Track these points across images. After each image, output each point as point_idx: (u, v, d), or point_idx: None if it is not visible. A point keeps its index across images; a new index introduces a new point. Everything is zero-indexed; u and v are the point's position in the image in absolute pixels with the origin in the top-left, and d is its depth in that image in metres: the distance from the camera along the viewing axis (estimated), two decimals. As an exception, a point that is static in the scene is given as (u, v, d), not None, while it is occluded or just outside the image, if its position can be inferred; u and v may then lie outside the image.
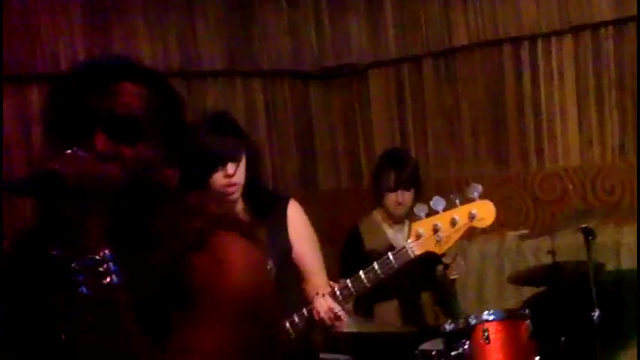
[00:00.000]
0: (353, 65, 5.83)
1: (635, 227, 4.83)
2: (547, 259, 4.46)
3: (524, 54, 5.24)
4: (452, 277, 4.36)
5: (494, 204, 5.25)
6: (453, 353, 3.77)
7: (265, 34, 5.61)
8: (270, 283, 1.64)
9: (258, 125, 5.57)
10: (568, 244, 4.67)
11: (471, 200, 3.33)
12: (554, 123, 5.19)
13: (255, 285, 1.56)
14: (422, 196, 4.87)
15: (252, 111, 5.55)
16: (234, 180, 3.16)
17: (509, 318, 3.82)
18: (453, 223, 3.27)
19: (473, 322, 3.79)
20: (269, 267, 3.12)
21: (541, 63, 5.19)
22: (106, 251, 1.43)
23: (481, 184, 5.29)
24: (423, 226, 3.28)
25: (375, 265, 3.45)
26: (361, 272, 3.45)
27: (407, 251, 3.40)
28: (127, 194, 1.52)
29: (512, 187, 5.33)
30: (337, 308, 3.27)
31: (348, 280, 3.45)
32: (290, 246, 3.34)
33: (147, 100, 1.57)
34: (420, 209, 3.27)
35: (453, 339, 3.82)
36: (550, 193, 5.20)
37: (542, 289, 4.43)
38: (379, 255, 4.56)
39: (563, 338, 4.23)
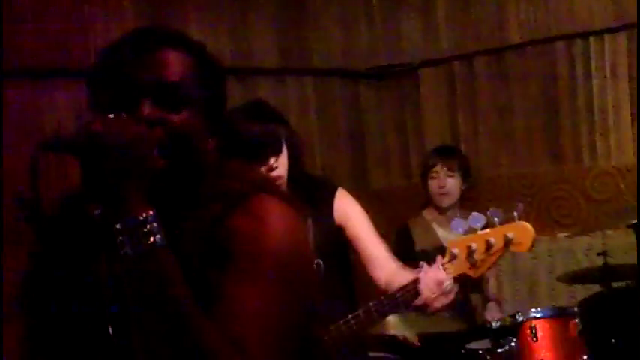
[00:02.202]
0: (404, 64, 5.82)
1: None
2: (599, 260, 4.39)
3: (577, 51, 5.18)
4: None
5: (547, 202, 5.31)
6: (499, 350, 3.75)
7: (317, 31, 5.63)
8: (308, 246, 1.65)
9: (310, 123, 5.57)
10: (620, 245, 4.60)
11: (509, 220, 3.11)
12: (607, 121, 5.12)
13: (294, 246, 1.58)
14: (474, 194, 4.88)
15: (304, 109, 5.56)
16: (276, 173, 2.99)
17: (556, 315, 3.78)
18: (489, 246, 3.04)
19: (520, 319, 3.76)
20: (316, 263, 3.06)
21: (594, 60, 5.12)
22: (150, 212, 1.45)
23: (533, 182, 5.35)
24: (457, 246, 3.09)
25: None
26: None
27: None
28: (170, 157, 1.54)
29: (564, 186, 5.28)
30: (445, 277, 3.06)
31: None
32: (336, 235, 3.19)
33: (190, 68, 1.60)
34: (457, 224, 3.15)
35: (500, 336, 3.79)
36: (603, 192, 5.13)
37: (594, 289, 4.35)
38: (429, 255, 4.59)
39: (613, 340, 4.17)
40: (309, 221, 3.03)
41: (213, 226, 1.56)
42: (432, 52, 5.71)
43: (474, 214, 3.16)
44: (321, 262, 3.07)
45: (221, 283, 1.51)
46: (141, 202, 1.45)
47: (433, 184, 4.62)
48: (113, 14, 4.61)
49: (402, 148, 5.93)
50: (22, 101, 4.19)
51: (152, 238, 1.43)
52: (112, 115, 1.48)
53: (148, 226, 1.44)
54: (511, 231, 3.03)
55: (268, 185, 1.68)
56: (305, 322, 1.61)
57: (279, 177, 3.02)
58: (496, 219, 3.10)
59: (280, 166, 3.02)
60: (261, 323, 1.49)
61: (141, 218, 1.44)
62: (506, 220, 3.11)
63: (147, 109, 1.54)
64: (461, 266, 3.10)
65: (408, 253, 4.48)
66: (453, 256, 3.10)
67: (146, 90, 1.55)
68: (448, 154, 4.74)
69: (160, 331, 1.44)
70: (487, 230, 3.08)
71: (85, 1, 4.53)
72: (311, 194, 3.13)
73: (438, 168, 4.63)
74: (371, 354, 3.78)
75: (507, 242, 3.03)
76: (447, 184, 4.61)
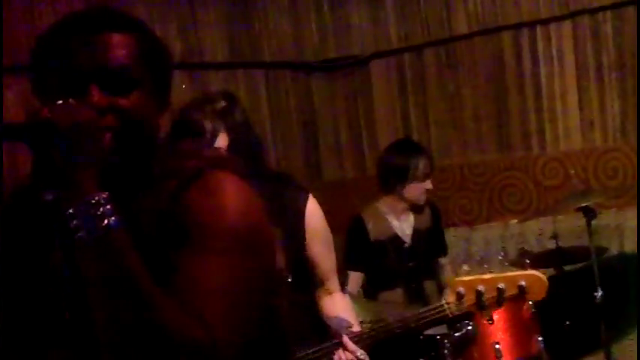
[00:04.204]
0: (354, 56, 5.85)
1: (637, 210, 4.85)
2: (551, 244, 4.47)
3: (524, 40, 5.27)
4: None
5: (498, 190, 5.38)
6: (456, 335, 3.77)
7: (267, 25, 5.63)
8: (265, 219, 1.64)
9: (261, 117, 5.57)
10: (571, 228, 4.69)
11: (521, 268, 3.02)
12: (555, 108, 5.21)
13: (250, 218, 1.58)
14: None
15: (255, 103, 5.56)
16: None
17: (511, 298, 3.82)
18: (500, 293, 2.88)
19: (476, 303, 3.78)
20: (285, 276, 2.99)
21: (541, 48, 5.22)
22: (103, 194, 1.43)
23: (484, 170, 5.42)
24: (465, 287, 2.92)
25: (408, 316, 3.16)
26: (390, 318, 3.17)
27: (444, 310, 3.08)
28: (122, 140, 1.54)
29: (514, 173, 5.36)
30: (358, 352, 2.96)
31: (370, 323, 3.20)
32: (304, 248, 3.06)
33: (135, 49, 1.58)
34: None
35: (457, 321, 3.83)
36: (552, 178, 5.22)
37: (546, 272, 4.43)
38: (384, 245, 4.61)
39: (567, 322, 4.25)
40: (280, 232, 2.94)
41: (168, 204, 1.56)
42: (381, 43, 5.75)
43: (484, 254, 2.99)
44: (288, 274, 2.95)
45: (180, 259, 1.51)
46: (93, 185, 1.43)
47: (417, 188, 4.55)
48: (62, 9, 4.55)
49: (354, 139, 5.97)
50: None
51: (106, 221, 1.42)
52: (60, 102, 1.46)
53: (102, 209, 1.42)
54: (524, 280, 2.89)
55: (222, 161, 1.68)
56: (264, 293, 1.61)
57: None
58: (506, 263, 3.06)
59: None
60: (220, 295, 1.50)
61: (93, 201, 1.42)
62: (519, 264, 2.98)
63: (95, 95, 1.52)
64: (466, 307, 2.99)
65: (363, 243, 4.51)
66: (459, 296, 2.96)
67: (93, 76, 1.53)
68: (425, 152, 4.70)
69: (120, 312, 1.43)
70: (497, 275, 2.95)
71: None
72: (281, 196, 2.99)
73: (428, 173, 4.57)
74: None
75: (522, 291, 2.89)
76: (430, 184, 4.60)
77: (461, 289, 2.93)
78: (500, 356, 3.67)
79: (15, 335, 1.63)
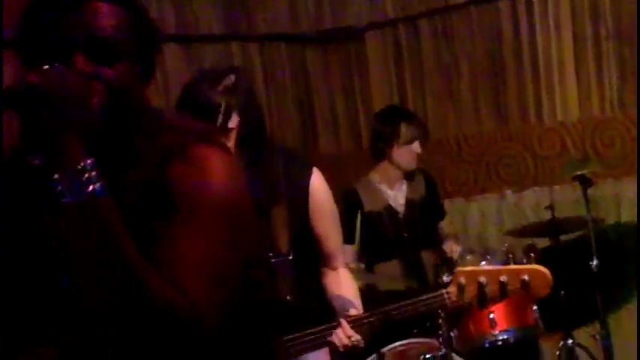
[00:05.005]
0: (349, 28, 5.81)
1: (634, 180, 4.84)
2: (547, 215, 4.45)
3: (521, 10, 5.22)
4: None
5: (495, 161, 5.35)
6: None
7: (261, -3, 5.59)
8: (247, 193, 1.65)
9: (256, 89, 5.52)
10: (567, 198, 4.67)
11: (526, 262, 2.93)
12: (552, 78, 5.18)
13: (234, 193, 1.59)
14: (424, 155, 4.89)
15: (250, 75, 5.52)
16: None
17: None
18: (502, 286, 2.81)
19: (470, 273, 3.77)
20: (287, 254, 2.91)
21: (537, 18, 5.17)
22: (88, 160, 1.43)
23: (480, 142, 5.40)
24: (466, 278, 2.86)
25: (407, 302, 3.06)
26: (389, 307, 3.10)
27: (444, 299, 2.98)
28: (108, 111, 1.53)
29: (511, 144, 5.33)
30: (355, 336, 2.93)
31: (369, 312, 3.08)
32: (309, 225, 3.01)
33: (121, 19, 1.58)
34: (466, 254, 2.86)
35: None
36: (549, 149, 5.20)
37: (542, 242, 4.42)
38: (378, 216, 4.60)
39: (563, 292, 4.24)
40: (282, 208, 2.89)
41: (153, 176, 1.56)
42: (376, 14, 5.70)
43: (493, 251, 2.99)
44: (290, 251, 2.93)
45: (163, 231, 1.51)
46: (79, 151, 1.43)
47: (411, 151, 4.55)
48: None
49: (350, 111, 5.94)
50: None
51: (91, 187, 1.42)
52: (46, 66, 1.45)
53: (87, 175, 1.42)
54: (527, 275, 2.81)
55: (207, 135, 1.67)
56: (246, 266, 1.62)
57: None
58: (510, 256, 2.91)
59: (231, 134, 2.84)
60: (201, 266, 1.50)
61: (79, 167, 1.42)
62: (524, 258, 2.97)
63: (80, 62, 1.52)
64: (466, 298, 2.90)
65: (356, 215, 4.51)
66: (460, 286, 2.89)
67: (79, 44, 1.53)
68: (413, 115, 4.72)
69: (104, 279, 1.43)
70: (500, 267, 2.87)
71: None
72: (284, 171, 2.96)
73: (416, 135, 4.57)
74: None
75: (525, 286, 2.80)
76: (420, 148, 4.59)
77: (462, 280, 2.86)
78: (495, 325, 3.67)
79: (13, 301, 1.63)
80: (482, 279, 2.82)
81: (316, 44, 5.91)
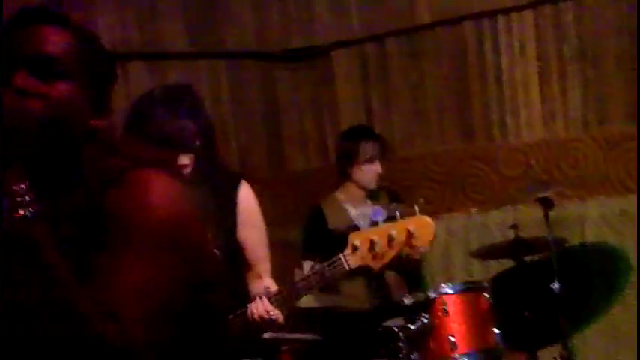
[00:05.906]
0: (317, 46, 5.81)
1: (598, 201, 4.87)
2: (511, 234, 4.46)
3: (486, 30, 5.25)
4: (415, 257, 4.35)
5: (461, 180, 5.36)
6: (412, 327, 3.77)
7: (229, 14, 5.57)
8: (192, 212, 1.62)
9: (223, 107, 5.53)
10: (532, 218, 4.68)
11: (410, 214, 3.19)
12: (517, 98, 5.21)
13: (174, 216, 1.56)
14: (389, 173, 4.90)
15: (216, 93, 5.52)
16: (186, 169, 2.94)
17: (466, 290, 3.83)
18: (390, 239, 3.12)
19: (432, 295, 3.79)
20: (215, 252, 3.02)
21: (502, 38, 5.21)
22: (22, 185, 1.43)
23: (446, 161, 5.41)
24: (359, 239, 3.17)
25: (310, 273, 3.36)
26: (296, 277, 3.41)
27: (342, 263, 3.27)
28: (46, 131, 1.52)
29: (476, 164, 5.34)
30: (273, 311, 3.15)
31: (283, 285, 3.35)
32: (235, 232, 3.20)
33: (67, 43, 1.59)
34: (360, 218, 3.19)
35: (414, 313, 3.83)
36: (514, 169, 5.22)
37: (507, 263, 4.42)
38: (342, 234, 4.60)
39: (527, 313, 4.24)
40: (212, 212, 3.00)
41: (90, 204, 1.55)
42: (344, 33, 5.71)
43: (376, 208, 3.30)
44: (220, 252, 3.03)
45: (102, 259, 1.50)
46: (17, 173, 1.43)
47: (371, 170, 4.57)
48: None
49: (318, 129, 5.93)
50: None
51: (22, 212, 1.42)
52: None
53: (19, 199, 1.42)
54: (412, 225, 3.13)
55: (151, 161, 1.66)
56: (191, 290, 1.59)
57: (185, 166, 2.94)
58: (397, 212, 3.18)
59: (188, 160, 2.94)
60: (137, 294, 1.48)
61: (11, 190, 1.42)
62: (408, 213, 3.20)
63: (20, 78, 1.52)
64: (363, 258, 3.20)
65: (321, 232, 4.50)
66: (355, 248, 3.20)
67: (21, 61, 1.54)
68: (374, 135, 4.74)
69: (35, 299, 1.42)
70: (389, 224, 3.16)
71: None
72: (216, 185, 3.09)
73: (376, 155, 4.60)
74: (288, 335, 3.81)
75: (409, 236, 3.12)
76: (381, 168, 4.61)
77: (356, 241, 3.17)
78: (455, 348, 3.66)
79: None
80: (375, 237, 3.15)
81: (284, 62, 5.91)
